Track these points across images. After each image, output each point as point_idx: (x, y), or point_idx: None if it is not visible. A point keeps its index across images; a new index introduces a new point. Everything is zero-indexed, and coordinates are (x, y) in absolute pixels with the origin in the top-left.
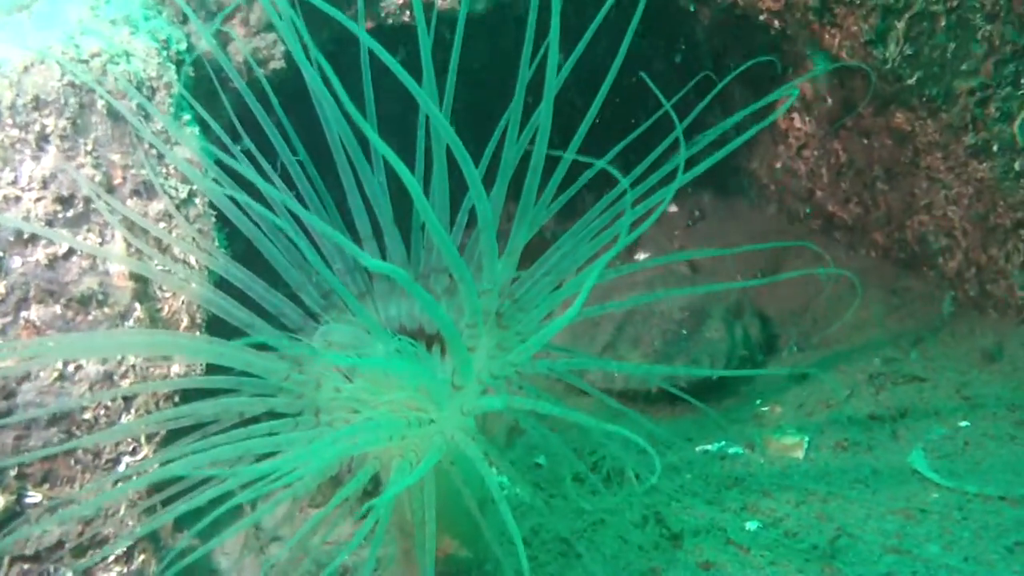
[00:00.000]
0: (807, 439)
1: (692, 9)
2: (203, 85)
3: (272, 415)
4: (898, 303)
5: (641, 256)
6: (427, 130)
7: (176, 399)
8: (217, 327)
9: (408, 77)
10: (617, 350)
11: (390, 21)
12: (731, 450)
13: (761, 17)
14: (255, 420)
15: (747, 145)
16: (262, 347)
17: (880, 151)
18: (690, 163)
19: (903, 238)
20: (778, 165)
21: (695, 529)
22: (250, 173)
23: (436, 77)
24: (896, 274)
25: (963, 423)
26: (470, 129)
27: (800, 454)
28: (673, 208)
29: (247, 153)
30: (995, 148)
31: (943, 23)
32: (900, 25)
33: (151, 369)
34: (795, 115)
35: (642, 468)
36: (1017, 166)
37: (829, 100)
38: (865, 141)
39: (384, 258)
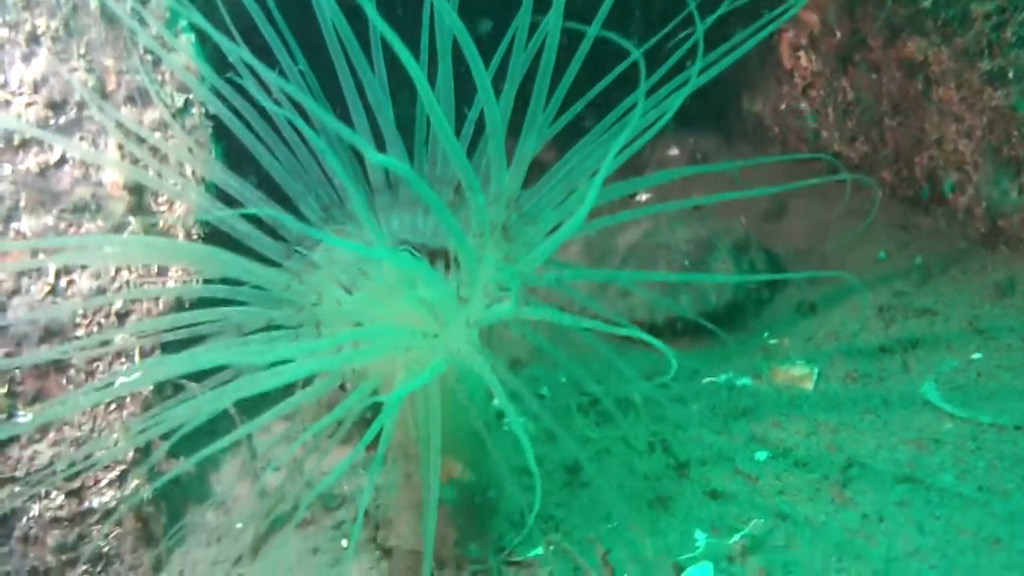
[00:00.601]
0: (816, 370)
1: None
2: None
3: (272, 328)
4: (907, 239)
5: (644, 197)
6: (432, 29)
7: (173, 313)
8: (214, 241)
9: None
10: (622, 283)
11: None
12: (739, 381)
13: None
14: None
15: (750, 85)
16: (261, 259)
17: (889, 85)
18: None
19: (912, 175)
20: (783, 106)
21: (702, 459)
22: (249, 80)
23: None
24: (905, 212)
25: (976, 355)
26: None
27: (809, 385)
28: (674, 151)
29: (246, 64)
30: (1011, 74)
31: None
32: None
33: (145, 285)
34: (801, 53)
35: (649, 393)
36: None
37: (838, 33)
38: (874, 76)
39: (387, 174)
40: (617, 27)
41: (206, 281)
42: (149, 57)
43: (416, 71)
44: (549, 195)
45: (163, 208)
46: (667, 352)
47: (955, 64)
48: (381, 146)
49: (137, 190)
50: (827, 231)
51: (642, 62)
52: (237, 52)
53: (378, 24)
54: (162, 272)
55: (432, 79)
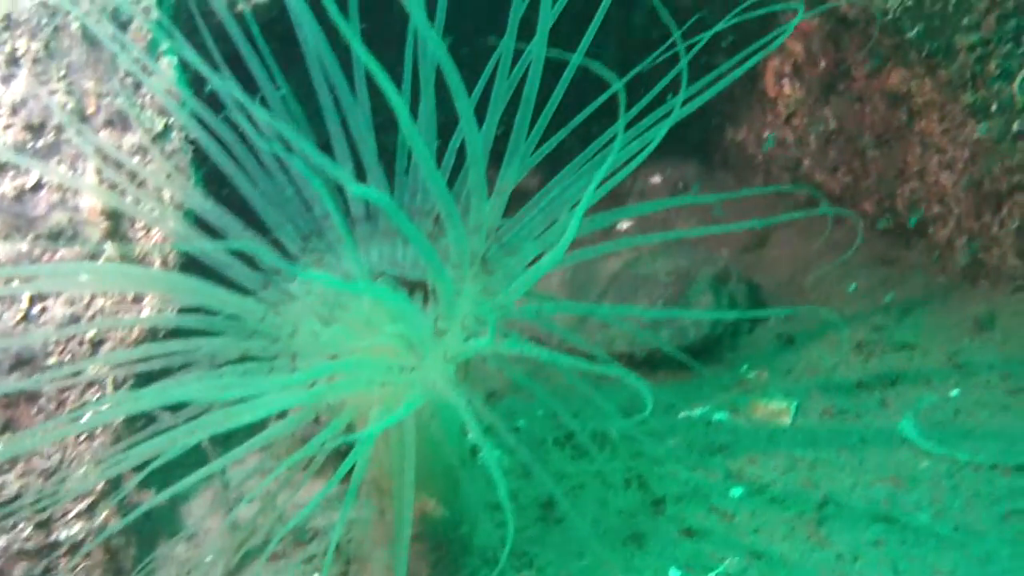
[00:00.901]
0: (794, 405)
1: None
2: (183, 15)
3: (246, 359)
4: (888, 273)
5: (624, 226)
6: (415, 62)
7: (147, 343)
8: (190, 272)
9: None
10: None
11: None
12: (716, 416)
13: None
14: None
15: (733, 113)
16: (238, 288)
17: (872, 116)
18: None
19: (893, 207)
20: (765, 134)
21: (678, 495)
22: (232, 99)
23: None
24: (886, 244)
25: (954, 391)
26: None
27: (787, 420)
28: (657, 179)
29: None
30: (994, 108)
31: None
32: None
33: (120, 313)
34: (785, 81)
35: (626, 429)
36: (1015, 127)
37: (822, 62)
38: (857, 106)
39: (367, 204)
40: (599, 54)
41: (181, 310)
42: (130, 80)
43: (399, 104)
44: (530, 225)
45: (140, 234)
46: (644, 391)
47: (938, 96)
48: (361, 174)
49: (114, 216)
50: (809, 261)
51: (623, 93)
52: (218, 80)
53: (363, 57)
54: (137, 300)
55: (415, 105)
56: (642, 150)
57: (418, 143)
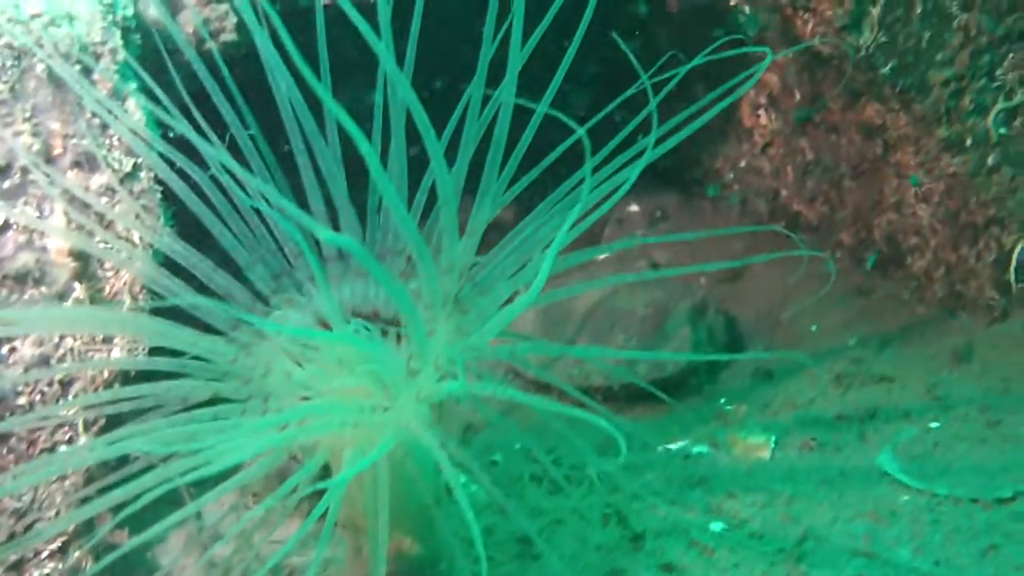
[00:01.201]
0: (773, 439)
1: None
2: (150, 55)
3: (218, 401)
4: (865, 304)
5: (602, 256)
6: (384, 102)
7: (117, 384)
8: (160, 312)
9: (365, 25)
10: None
11: None
12: (695, 449)
13: (732, 2)
14: (200, 407)
15: (711, 144)
16: (209, 329)
17: (848, 148)
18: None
19: (870, 238)
20: (742, 164)
21: (657, 530)
22: (199, 146)
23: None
24: (864, 275)
25: (933, 424)
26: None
27: (766, 454)
28: (634, 208)
29: (196, 127)
30: (968, 142)
31: (919, 10)
32: (875, 11)
33: (90, 353)
34: (761, 112)
35: (602, 467)
36: (990, 161)
37: (798, 95)
38: (833, 137)
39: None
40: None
41: (152, 351)
42: (97, 121)
43: (368, 151)
44: (504, 263)
45: (109, 274)
46: (618, 436)
47: (913, 130)
48: (333, 210)
49: (82, 256)
50: (786, 292)
51: (587, 140)
52: (181, 126)
53: (331, 107)
54: (107, 340)
55: (387, 138)
56: (615, 190)
57: (388, 190)
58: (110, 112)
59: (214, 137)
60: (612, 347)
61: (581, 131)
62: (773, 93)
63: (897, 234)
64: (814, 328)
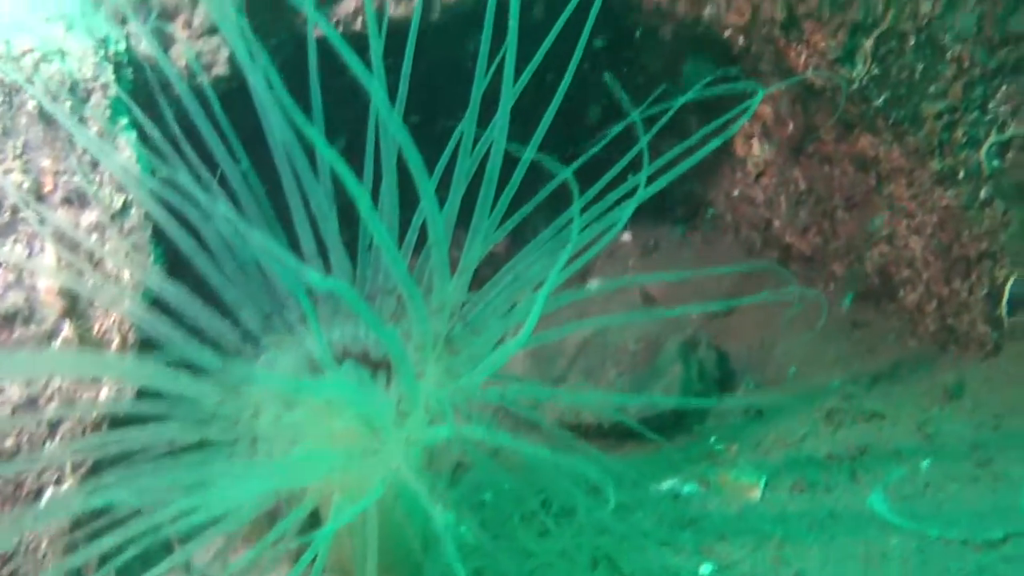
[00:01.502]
0: (763, 479)
1: (655, 26)
2: (142, 90)
3: (206, 443)
4: (858, 338)
5: (594, 282)
6: (376, 140)
7: (104, 426)
8: (150, 349)
9: (359, 63)
10: (570, 384)
11: (341, 29)
12: (685, 489)
13: (726, 33)
14: (188, 450)
15: (703, 173)
16: (198, 370)
17: (841, 179)
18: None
19: (863, 270)
20: (735, 193)
21: (647, 572)
22: (190, 184)
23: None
24: (856, 307)
25: (924, 463)
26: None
27: (757, 495)
28: (626, 237)
29: (189, 163)
30: (961, 175)
31: (912, 42)
32: (868, 43)
33: (78, 393)
34: (754, 141)
35: (592, 506)
36: (983, 194)
37: (791, 125)
38: (826, 168)
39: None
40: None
41: (139, 393)
42: (88, 158)
43: (361, 196)
44: (496, 302)
45: (99, 312)
46: (607, 484)
47: (906, 162)
48: (324, 248)
49: (72, 295)
50: (778, 325)
51: (574, 183)
52: (171, 167)
53: (325, 153)
54: (96, 379)
55: (379, 175)
56: (607, 230)
57: (379, 231)
58: (102, 147)
59: (206, 172)
60: (604, 382)
61: (567, 172)
62: (766, 123)
63: (890, 266)
64: (800, 367)
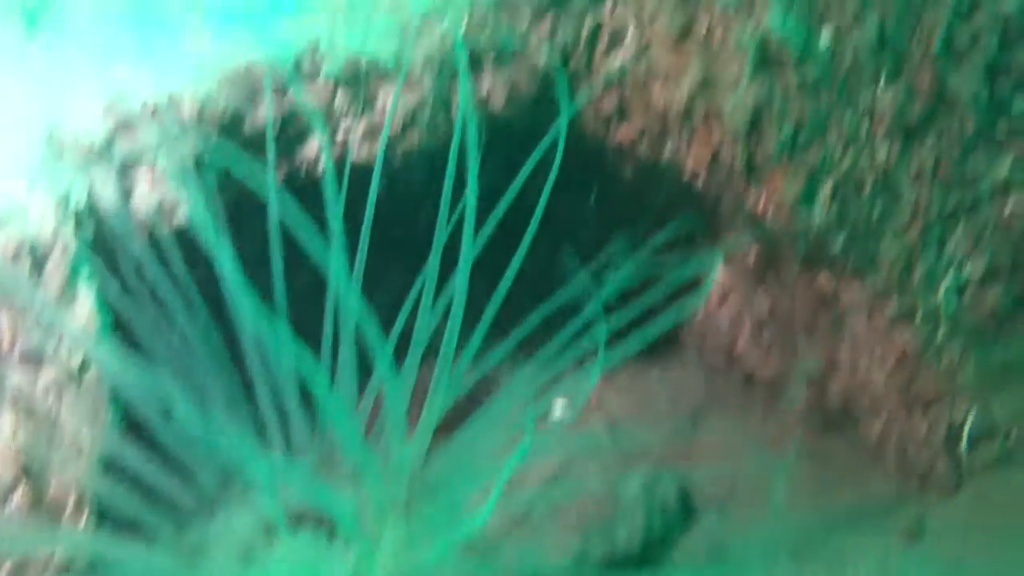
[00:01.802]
0: None
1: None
2: (103, 243)
3: None
4: (819, 470)
5: (559, 401)
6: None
7: None
8: (105, 512)
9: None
10: (533, 521)
11: (303, 174)
12: None
13: (684, 177)
14: None
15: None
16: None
17: (802, 312)
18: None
19: (825, 401)
20: (698, 317)
21: None
22: (149, 342)
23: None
24: (818, 438)
25: None
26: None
27: None
28: None
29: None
30: (919, 317)
31: (870, 185)
32: (827, 186)
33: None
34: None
35: None
36: (940, 336)
37: (751, 257)
38: (788, 301)
39: (287, 430)
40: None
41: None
42: (47, 316)
43: (318, 381)
44: (459, 459)
45: (53, 477)
46: None
47: (865, 301)
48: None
49: (27, 456)
50: (741, 452)
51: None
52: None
53: (284, 343)
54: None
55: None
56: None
57: (338, 415)
58: (61, 308)
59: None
60: (566, 517)
61: (526, 329)
62: (727, 252)
63: (851, 397)
64: (762, 498)
